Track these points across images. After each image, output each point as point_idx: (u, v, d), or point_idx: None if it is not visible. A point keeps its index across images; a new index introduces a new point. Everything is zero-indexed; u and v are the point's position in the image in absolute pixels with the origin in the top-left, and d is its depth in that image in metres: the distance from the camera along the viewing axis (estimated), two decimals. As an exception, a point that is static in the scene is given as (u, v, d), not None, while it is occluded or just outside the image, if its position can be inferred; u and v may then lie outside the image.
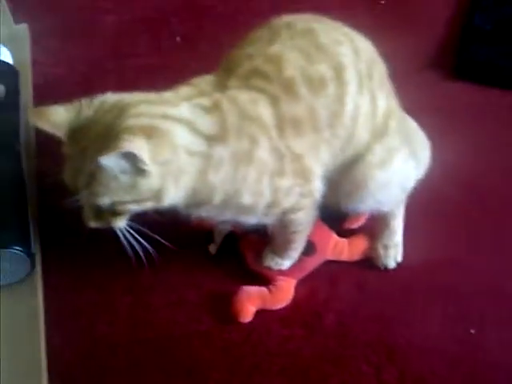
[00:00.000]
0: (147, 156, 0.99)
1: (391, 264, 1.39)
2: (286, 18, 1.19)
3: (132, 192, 1.04)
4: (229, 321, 1.34)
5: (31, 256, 1.38)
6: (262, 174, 1.12)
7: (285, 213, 1.20)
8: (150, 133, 1.00)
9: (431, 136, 1.39)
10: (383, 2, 1.99)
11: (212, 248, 1.43)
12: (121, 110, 1.03)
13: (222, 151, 1.08)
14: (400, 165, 1.23)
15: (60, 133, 1.06)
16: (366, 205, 1.27)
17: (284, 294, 1.35)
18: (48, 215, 1.50)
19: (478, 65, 1.73)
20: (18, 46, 1.85)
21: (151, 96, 1.10)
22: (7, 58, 1.76)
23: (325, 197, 1.22)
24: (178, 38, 1.94)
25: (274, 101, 1.10)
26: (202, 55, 1.84)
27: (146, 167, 1.00)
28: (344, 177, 1.21)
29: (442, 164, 1.39)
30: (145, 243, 1.14)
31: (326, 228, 1.40)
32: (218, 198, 1.12)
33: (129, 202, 1.06)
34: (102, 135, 1.02)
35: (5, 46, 1.79)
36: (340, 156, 1.18)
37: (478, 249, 1.41)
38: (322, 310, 1.35)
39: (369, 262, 1.40)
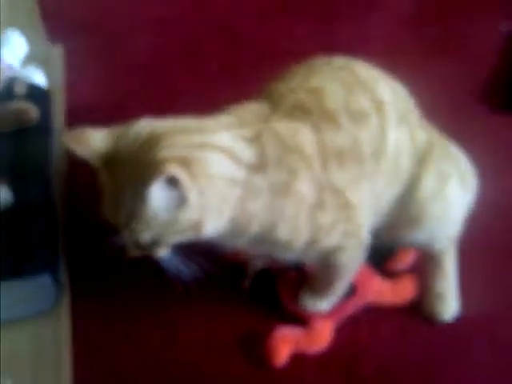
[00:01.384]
0: (187, 181, 0.96)
1: (446, 317, 1.32)
2: (324, 58, 1.20)
3: (173, 225, 1.02)
4: (262, 364, 1.28)
5: (59, 284, 1.35)
6: (301, 208, 1.08)
7: (327, 253, 1.16)
8: (185, 162, 0.97)
9: (482, 172, 1.31)
10: (429, 30, 1.94)
11: (246, 283, 1.38)
12: (155, 141, 1.00)
13: (260, 180, 1.05)
14: (454, 191, 1.22)
15: (95, 160, 1.03)
16: (419, 239, 1.24)
17: (321, 336, 1.29)
18: (77, 242, 1.46)
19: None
20: (52, 67, 1.83)
21: (190, 123, 1.07)
22: (41, 80, 1.74)
23: (375, 234, 1.19)
24: (214, 64, 1.91)
25: (316, 129, 1.09)
26: (237, 81, 1.82)
27: (188, 193, 0.97)
28: (396, 211, 1.20)
29: (493, 203, 1.34)
30: (185, 268, 1.11)
31: (368, 268, 1.33)
32: (254, 229, 1.09)
33: (169, 235, 1.04)
34: (139, 169, 0.99)
35: (39, 67, 1.77)
36: (387, 194, 1.17)
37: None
38: (361, 357, 1.29)
39: (415, 308, 1.34)
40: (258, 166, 1.05)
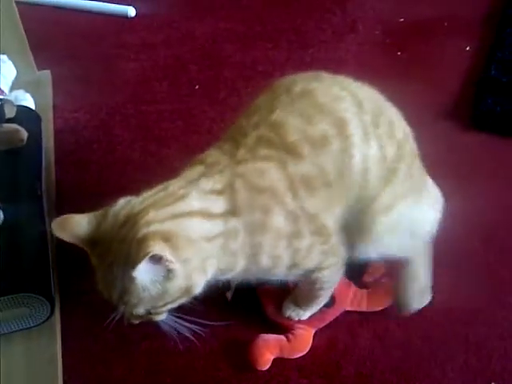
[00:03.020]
0: (170, 255, 1.01)
1: (413, 309, 1.35)
2: (287, 80, 1.21)
3: (164, 297, 1.07)
4: (246, 369, 1.32)
5: (51, 301, 1.37)
6: (279, 239, 1.13)
7: (310, 271, 1.20)
8: (165, 236, 1.02)
9: (449, 187, 1.37)
10: (399, 54, 2.03)
11: (229, 294, 1.42)
12: (133, 222, 1.05)
13: (235, 223, 1.10)
14: (405, 210, 1.23)
15: (82, 244, 1.09)
16: (377, 252, 1.26)
17: (303, 343, 1.34)
18: (67, 260, 1.49)
19: (494, 116, 1.74)
20: (40, 91, 1.89)
21: (159, 196, 1.10)
22: (30, 103, 1.80)
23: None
24: (196, 86, 1.98)
25: (282, 165, 1.12)
26: (219, 102, 1.90)
27: (173, 266, 1.02)
28: (353, 224, 1.21)
29: (461, 216, 1.38)
30: (182, 327, 1.19)
31: (344, 279, 1.38)
32: (240, 264, 1.13)
33: (163, 305, 1.10)
34: (123, 250, 1.04)
35: (27, 91, 1.83)
36: (354, 206, 1.19)
37: (502, 302, 1.40)
38: (341, 361, 1.34)
39: (389, 313, 1.38)
40: (232, 212, 1.10)
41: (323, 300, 1.33)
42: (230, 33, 2.17)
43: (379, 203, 1.19)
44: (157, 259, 1.00)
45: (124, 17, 2.26)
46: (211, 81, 2.00)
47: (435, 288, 1.37)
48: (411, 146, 1.25)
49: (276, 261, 1.15)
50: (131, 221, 1.05)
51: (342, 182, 1.15)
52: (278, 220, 1.11)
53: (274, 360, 1.32)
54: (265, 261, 1.14)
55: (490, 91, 1.81)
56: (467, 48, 2.03)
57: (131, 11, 2.26)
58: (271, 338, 1.34)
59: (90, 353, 1.39)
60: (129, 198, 1.11)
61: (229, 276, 1.17)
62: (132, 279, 1.02)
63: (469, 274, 1.43)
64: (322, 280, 1.24)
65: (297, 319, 1.35)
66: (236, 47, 2.11)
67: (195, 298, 1.12)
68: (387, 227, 1.21)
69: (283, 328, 1.36)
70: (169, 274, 1.03)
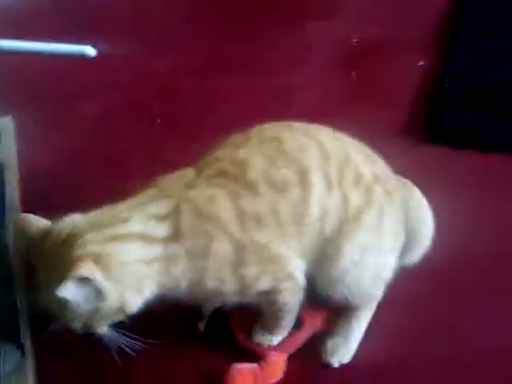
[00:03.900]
0: (99, 277, 1.06)
1: (334, 362, 1.36)
2: (261, 127, 1.26)
3: (97, 313, 1.12)
4: (222, 400, 1.33)
5: (21, 347, 1.38)
6: (222, 265, 1.16)
7: (265, 293, 1.22)
8: (97, 258, 1.07)
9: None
10: (354, 75, 2.07)
11: (201, 325, 1.43)
12: (73, 239, 1.10)
13: (176, 249, 1.14)
14: (373, 259, 1.24)
15: (30, 246, 1.15)
16: (337, 296, 1.28)
17: (275, 369, 1.35)
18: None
19: (448, 129, 1.79)
20: (2, 138, 1.90)
21: (103, 216, 1.16)
22: (-8, 151, 1.81)
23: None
24: (158, 120, 2.00)
25: (234, 196, 1.15)
26: (181, 136, 1.92)
27: (101, 287, 1.07)
28: (317, 266, 1.23)
29: None
30: (129, 341, 1.20)
31: (313, 300, 1.38)
32: (184, 286, 1.17)
33: (98, 321, 1.14)
34: (58, 267, 1.09)
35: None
36: (312, 250, 1.21)
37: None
38: (313, 384, 1.35)
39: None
40: (173, 237, 1.13)
41: (289, 323, 1.34)
42: (189, 67, 2.19)
43: (345, 257, 1.21)
44: (86, 280, 1.05)
45: (84, 57, 2.28)
46: (173, 115, 2.02)
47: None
48: (384, 188, 1.25)
49: (222, 285, 1.17)
50: (71, 239, 1.10)
51: (297, 226, 1.17)
52: (222, 248, 1.14)
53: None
54: (210, 284, 1.17)
55: (444, 104, 1.86)
56: (420, 63, 2.08)
57: (91, 51, 2.28)
58: (244, 366, 1.35)
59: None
60: (76, 215, 1.17)
61: (177, 294, 1.19)
62: (61, 297, 1.05)
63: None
64: (280, 302, 1.25)
65: (267, 345, 1.36)
66: (194, 81, 2.14)
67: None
68: (354, 278, 1.23)
69: (256, 355, 1.37)
70: (99, 294, 1.08)
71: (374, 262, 1.24)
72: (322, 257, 1.21)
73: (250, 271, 1.17)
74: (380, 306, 1.38)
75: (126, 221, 1.14)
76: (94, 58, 2.27)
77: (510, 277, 1.49)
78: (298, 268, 1.21)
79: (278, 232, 1.17)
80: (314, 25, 2.31)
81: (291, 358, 1.37)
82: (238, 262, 1.16)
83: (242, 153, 1.20)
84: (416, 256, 1.38)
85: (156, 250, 1.13)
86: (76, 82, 2.18)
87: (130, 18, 2.46)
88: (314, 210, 1.17)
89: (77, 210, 1.73)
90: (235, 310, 1.40)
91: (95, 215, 1.17)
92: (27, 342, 1.43)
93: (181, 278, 1.15)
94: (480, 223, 1.55)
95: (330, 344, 1.36)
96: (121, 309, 1.13)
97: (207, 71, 2.17)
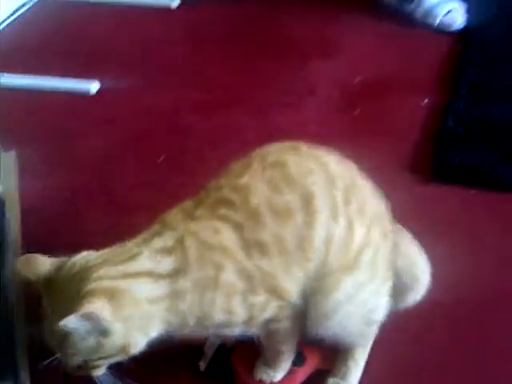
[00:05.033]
0: (109, 315, 1.05)
1: None
2: (264, 149, 1.23)
3: (99, 351, 1.09)
4: None
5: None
6: (231, 295, 1.14)
7: (266, 323, 1.20)
8: (110, 294, 1.06)
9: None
10: (356, 113, 2.08)
11: (202, 364, 1.40)
12: (85, 273, 1.09)
13: (184, 282, 1.12)
14: (366, 298, 1.22)
15: (39, 284, 1.13)
16: (328, 333, 1.25)
17: (277, 407, 1.33)
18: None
19: (454, 167, 1.78)
20: (5, 173, 1.89)
21: (115, 253, 1.15)
22: (-5, 186, 1.80)
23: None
24: (162, 157, 2.00)
25: (238, 228, 1.13)
26: (185, 171, 1.91)
27: (108, 326, 1.05)
28: (310, 302, 1.21)
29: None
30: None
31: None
32: (191, 321, 1.15)
33: (99, 359, 1.11)
34: (68, 299, 1.08)
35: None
36: (314, 279, 1.18)
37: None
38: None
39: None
40: (179, 270, 1.11)
41: (289, 357, 1.32)
42: (193, 102, 2.21)
43: (340, 292, 1.18)
44: (92, 317, 1.03)
45: (86, 93, 2.29)
46: (176, 150, 2.02)
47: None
48: (383, 228, 1.24)
49: (230, 316, 1.15)
50: (83, 274, 1.09)
51: (301, 253, 1.15)
52: (231, 276, 1.13)
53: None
54: (219, 317, 1.15)
55: (448, 143, 1.86)
56: (424, 101, 2.09)
57: (94, 87, 2.30)
58: (246, 405, 1.33)
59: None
60: (89, 252, 1.15)
61: (184, 332, 1.17)
62: (66, 328, 1.04)
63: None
64: (280, 331, 1.23)
65: (269, 381, 1.33)
66: (199, 116, 2.15)
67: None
68: (346, 314, 1.21)
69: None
70: (104, 331, 1.06)
71: (366, 299, 1.22)
72: (317, 291, 1.19)
73: (258, 299, 1.15)
74: (376, 343, 1.36)
75: (135, 257, 1.12)
76: (96, 94, 2.29)
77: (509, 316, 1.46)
78: (297, 301, 1.19)
79: (283, 260, 1.15)
80: (317, 64, 2.34)
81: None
82: (247, 291, 1.14)
83: (244, 179, 1.17)
84: (411, 300, 1.34)
85: (164, 287, 1.11)
86: (79, 117, 2.20)
87: (132, 54, 2.49)
88: (319, 234, 1.14)
89: (79, 247, 1.75)
90: (237, 347, 1.38)
91: (107, 252, 1.15)
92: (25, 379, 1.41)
93: (188, 313, 1.13)
94: (487, 262, 1.53)
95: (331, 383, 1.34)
96: (124, 348, 1.10)
97: (210, 107, 2.18)
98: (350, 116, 2.08)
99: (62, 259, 1.15)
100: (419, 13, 2.50)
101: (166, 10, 2.72)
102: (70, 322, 1.03)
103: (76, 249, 1.68)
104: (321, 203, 1.15)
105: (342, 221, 1.16)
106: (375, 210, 1.24)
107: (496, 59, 2.19)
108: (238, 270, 1.13)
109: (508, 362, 1.38)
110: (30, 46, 2.50)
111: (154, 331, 1.13)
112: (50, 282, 1.13)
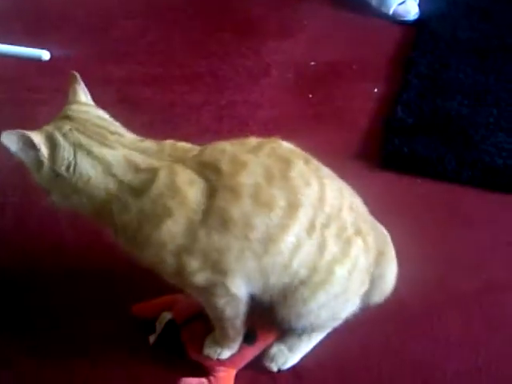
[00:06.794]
0: (43, 151, 1.16)
1: (273, 367, 1.38)
2: (280, 142, 1.25)
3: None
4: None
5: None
6: (167, 243, 1.16)
7: (200, 291, 1.23)
8: (54, 143, 1.17)
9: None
10: (311, 96, 2.11)
11: (151, 338, 1.42)
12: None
13: (131, 200, 1.16)
14: (338, 305, 1.28)
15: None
16: (298, 326, 1.31)
17: (224, 384, 1.35)
18: None
19: (401, 156, 1.82)
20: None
21: (107, 125, 1.24)
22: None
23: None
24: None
25: (212, 192, 1.15)
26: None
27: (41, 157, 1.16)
28: (280, 301, 1.25)
29: None
30: None
31: (267, 316, 1.37)
32: (123, 238, 1.20)
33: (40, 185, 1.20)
34: None
35: None
36: (273, 278, 1.21)
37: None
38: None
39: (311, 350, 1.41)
40: (135, 190, 1.16)
41: (237, 336, 1.34)
42: (147, 76, 2.20)
43: (314, 302, 1.24)
44: (25, 140, 1.16)
45: (38, 60, 2.24)
46: (128, 124, 1.99)
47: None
48: (364, 240, 1.27)
49: (160, 263, 1.19)
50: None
51: (263, 248, 1.17)
52: (175, 227, 1.15)
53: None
54: (149, 255, 1.18)
55: (397, 132, 1.90)
56: (375, 90, 2.13)
57: (45, 55, 2.25)
58: (193, 381, 1.33)
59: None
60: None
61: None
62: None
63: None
64: (219, 309, 1.25)
65: (216, 358, 1.36)
66: (153, 90, 2.13)
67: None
68: (316, 307, 1.25)
69: (205, 369, 1.36)
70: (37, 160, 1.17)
71: (339, 304, 1.28)
72: (292, 296, 1.23)
73: (192, 262, 1.17)
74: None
75: (109, 146, 1.18)
76: (47, 62, 2.25)
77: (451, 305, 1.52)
78: (237, 287, 1.21)
79: (240, 243, 1.16)
80: (274, 45, 2.35)
81: (240, 374, 1.37)
82: (184, 249, 1.16)
83: (247, 156, 1.19)
84: (381, 297, 1.39)
85: (110, 184, 1.17)
86: (28, 85, 2.15)
87: (88, 24, 2.45)
88: (289, 240, 1.17)
89: (26, 213, 1.72)
90: (188, 324, 1.40)
91: (101, 119, 1.25)
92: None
93: (120, 228, 1.18)
94: (429, 252, 1.56)
95: (274, 350, 1.38)
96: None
97: (164, 82, 2.17)
98: (303, 100, 2.10)
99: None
100: (374, 1, 2.53)
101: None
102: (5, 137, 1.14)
103: (23, 216, 1.69)
104: (303, 215, 1.17)
105: (315, 239, 1.19)
106: (357, 225, 1.27)
107: (448, 52, 2.25)
108: (186, 227, 1.15)
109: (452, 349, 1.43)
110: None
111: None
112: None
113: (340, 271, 1.23)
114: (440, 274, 1.54)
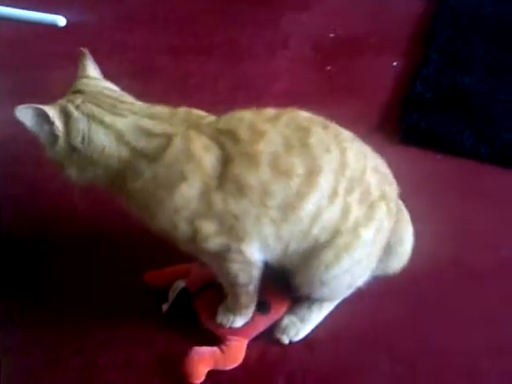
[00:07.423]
0: (58, 124, 1.16)
1: (284, 339, 1.37)
2: (297, 111, 1.24)
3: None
4: (181, 382, 1.31)
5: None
6: (182, 209, 1.16)
7: (214, 256, 1.23)
8: (68, 116, 1.17)
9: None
10: (329, 68, 2.08)
11: (164, 306, 1.42)
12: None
13: (144, 166, 1.16)
14: (359, 270, 1.28)
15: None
16: (316, 294, 1.32)
17: (236, 354, 1.35)
18: None
19: (420, 131, 1.80)
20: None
21: (117, 96, 1.25)
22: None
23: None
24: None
25: (227, 159, 1.15)
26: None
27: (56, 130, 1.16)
28: (301, 267, 1.26)
29: None
30: None
31: (281, 286, 1.39)
32: (133, 205, 1.21)
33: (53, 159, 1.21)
34: None
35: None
36: (293, 245, 1.22)
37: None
38: (272, 372, 1.34)
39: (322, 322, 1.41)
40: (148, 155, 1.16)
41: (248, 303, 1.34)
42: (163, 45, 2.18)
43: (338, 267, 1.24)
44: (42, 115, 1.16)
45: (53, 26, 2.22)
46: (142, 93, 1.98)
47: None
48: (388, 205, 1.27)
49: (173, 229, 1.19)
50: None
51: (282, 214, 1.17)
52: (190, 191, 1.15)
53: (209, 372, 1.32)
54: (161, 221, 1.18)
55: (416, 107, 1.88)
56: (394, 63, 2.11)
57: (61, 21, 2.23)
58: (205, 350, 1.34)
59: (22, 370, 1.35)
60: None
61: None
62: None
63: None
64: (232, 273, 1.26)
65: (228, 326, 1.36)
66: (168, 59, 2.12)
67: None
68: (340, 273, 1.25)
69: (217, 338, 1.36)
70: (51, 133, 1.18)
71: (358, 271, 1.29)
72: (314, 261, 1.23)
73: (206, 227, 1.17)
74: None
75: (120, 115, 1.19)
76: (63, 28, 2.23)
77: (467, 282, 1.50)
78: (252, 252, 1.22)
79: (258, 210, 1.16)
80: (293, 17, 2.32)
81: (251, 344, 1.37)
82: (199, 214, 1.16)
83: (266, 125, 1.18)
84: (399, 264, 1.40)
85: (123, 152, 1.17)
86: (43, 50, 2.14)
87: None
88: (308, 207, 1.17)
89: (40, 181, 1.72)
90: (202, 293, 1.40)
91: (114, 92, 1.27)
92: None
93: (132, 193, 1.18)
94: (446, 228, 1.55)
95: (285, 321, 1.38)
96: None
97: (182, 51, 2.15)
98: (321, 72, 2.07)
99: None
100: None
101: None
102: (21, 112, 1.16)
103: (37, 184, 1.69)
104: (323, 182, 1.17)
105: (338, 204, 1.19)
106: (382, 190, 1.27)
107: (469, 27, 2.21)
108: (201, 191, 1.15)
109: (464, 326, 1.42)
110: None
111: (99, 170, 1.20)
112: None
113: (366, 234, 1.23)
114: (456, 250, 1.52)
